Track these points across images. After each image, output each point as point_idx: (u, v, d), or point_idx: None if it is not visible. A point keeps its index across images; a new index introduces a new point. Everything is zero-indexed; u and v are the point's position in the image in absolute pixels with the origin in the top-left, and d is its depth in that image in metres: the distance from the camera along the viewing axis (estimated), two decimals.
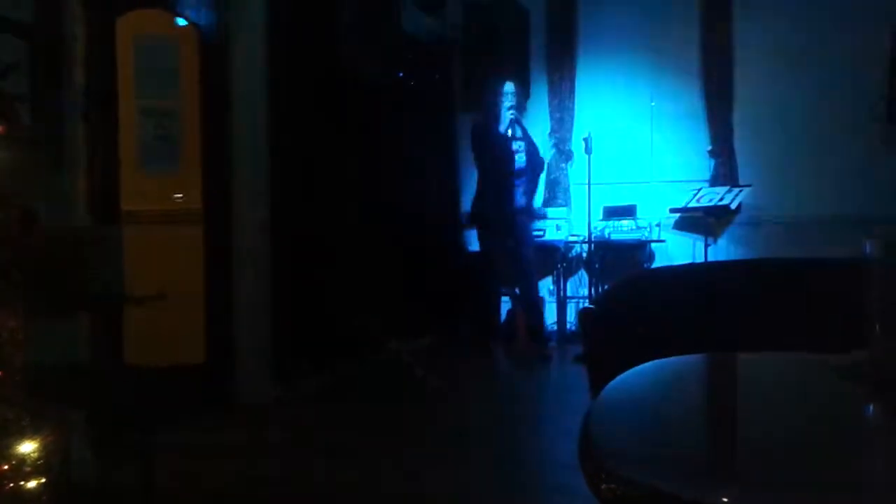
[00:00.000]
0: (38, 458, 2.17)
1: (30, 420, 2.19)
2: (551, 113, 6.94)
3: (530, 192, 6.39)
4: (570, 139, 6.97)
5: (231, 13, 4.49)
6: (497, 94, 6.05)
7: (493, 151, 5.99)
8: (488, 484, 3.41)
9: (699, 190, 6.50)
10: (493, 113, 6.04)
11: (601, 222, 6.60)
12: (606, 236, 6.58)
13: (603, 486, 1.07)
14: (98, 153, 3.63)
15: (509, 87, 6.12)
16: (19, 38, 3.07)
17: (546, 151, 6.77)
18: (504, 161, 6.04)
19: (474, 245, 7.06)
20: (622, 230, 6.57)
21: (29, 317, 2.28)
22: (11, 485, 2.12)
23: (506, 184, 6.08)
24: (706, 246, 6.34)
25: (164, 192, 4.26)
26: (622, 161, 6.83)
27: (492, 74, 6.25)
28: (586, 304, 6.65)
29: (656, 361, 1.63)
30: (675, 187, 6.69)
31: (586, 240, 6.54)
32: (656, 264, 6.61)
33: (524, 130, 6.29)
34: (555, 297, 6.89)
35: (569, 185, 7.00)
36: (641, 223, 6.58)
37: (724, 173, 6.63)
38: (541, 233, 6.62)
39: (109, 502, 2.92)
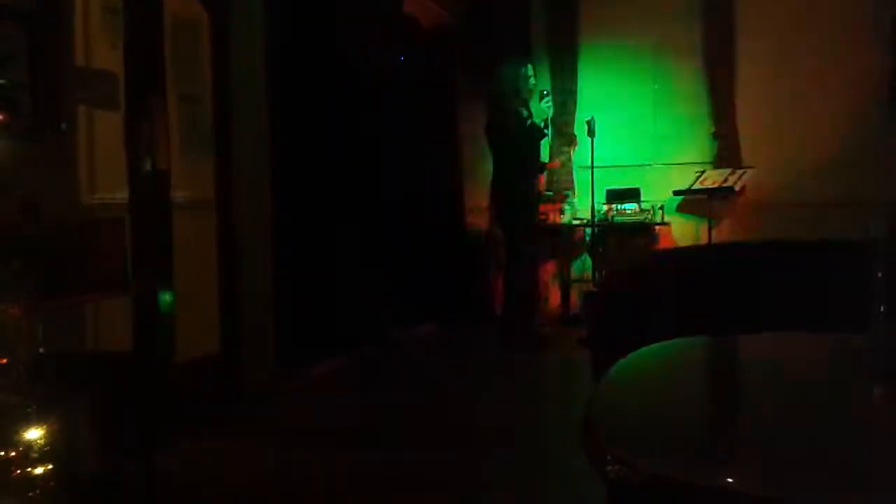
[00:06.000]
0: (45, 445, 2.18)
1: (35, 407, 2.20)
2: (554, 96, 6.92)
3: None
4: (572, 123, 6.95)
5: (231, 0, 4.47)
6: (518, 77, 5.95)
7: (521, 136, 5.91)
8: (492, 468, 3.42)
9: (703, 172, 6.49)
10: (515, 98, 5.94)
11: (605, 205, 6.59)
12: (610, 219, 6.57)
13: (608, 469, 1.07)
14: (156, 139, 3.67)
15: (530, 69, 6.02)
16: (20, 27, 3.05)
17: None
18: (535, 147, 6.01)
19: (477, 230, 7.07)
20: (626, 213, 6.57)
21: (32, 305, 2.28)
22: (18, 471, 2.14)
23: (535, 170, 6.07)
24: (710, 228, 6.33)
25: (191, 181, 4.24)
26: (625, 144, 6.81)
27: (499, 58, 6.18)
28: (590, 288, 6.66)
29: (660, 344, 1.63)
30: (678, 170, 6.67)
31: (590, 223, 6.53)
32: (660, 247, 6.60)
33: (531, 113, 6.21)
34: (558, 280, 6.89)
35: (572, 169, 6.98)
36: (645, 206, 6.57)
37: (728, 155, 6.61)
38: (544, 216, 6.61)
39: (115, 490, 2.93)
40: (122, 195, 3.59)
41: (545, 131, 6.07)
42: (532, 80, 5.98)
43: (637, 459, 1.06)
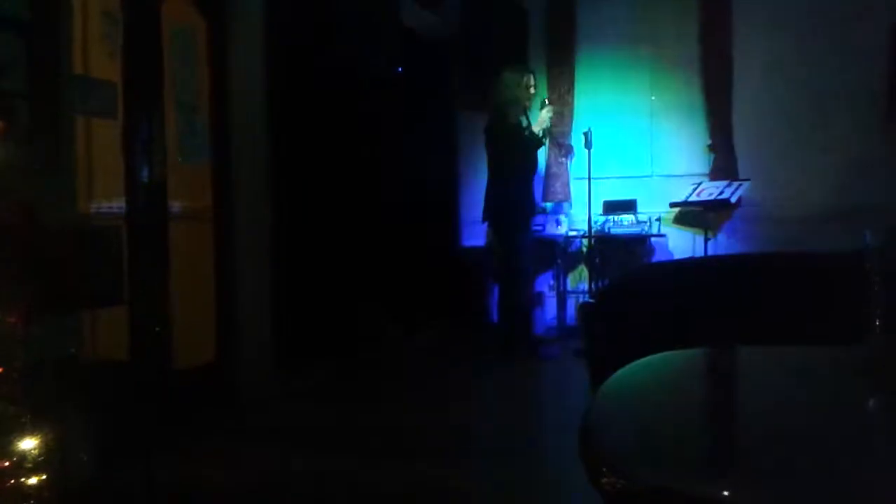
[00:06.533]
0: (39, 455, 2.17)
1: (30, 417, 2.19)
2: (552, 106, 6.92)
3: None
4: (569, 134, 6.96)
5: (229, 8, 4.48)
6: (520, 86, 5.93)
7: (520, 146, 5.90)
8: (488, 479, 3.41)
9: (699, 184, 6.50)
10: (515, 106, 5.92)
11: (601, 217, 6.59)
12: (606, 231, 6.58)
13: (604, 480, 1.07)
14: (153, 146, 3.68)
15: (527, 78, 6.03)
16: (18, 35, 3.06)
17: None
18: (532, 156, 6.01)
19: (473, 241, 7.08)
20: (622, 225, 6.57)
21: (28, 313, 2.28)
22: (12, 481, 2.13)
23: (532, 179, 6.06)
24: (706, 240, 6.34)
25: (189, 188, 4.24)
26: (622, 156, 6.83)
27: (499, 68, 6.19)
28: (586, 299, 6.66)
29: (656, 355, 1.63)
30: (674, 182, 6.68)
31: (586, 234, 6.54)
32: (656, 259, 6.61)
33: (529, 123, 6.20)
34: (555, 291, 6.90)
35: (569, 180, 6.99)
36: (641, 217, 6.58)
37: (724, 167, 6.62)
38: (540, 228, 6.62)
39: (112, 499, 2.92)
40: (119, 203, 3.59)
41: (543, 140, 6.09)
42: (533, 90, 6.00)
43: (633, 471, 1.06)
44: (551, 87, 6.93)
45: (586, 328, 2.41)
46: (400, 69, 5.66)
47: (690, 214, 6.63)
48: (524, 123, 5.90)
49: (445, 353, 6.30)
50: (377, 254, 5.81)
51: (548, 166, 6.95)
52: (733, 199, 6.26)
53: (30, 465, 2.17)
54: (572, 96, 6.99)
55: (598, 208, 6.54)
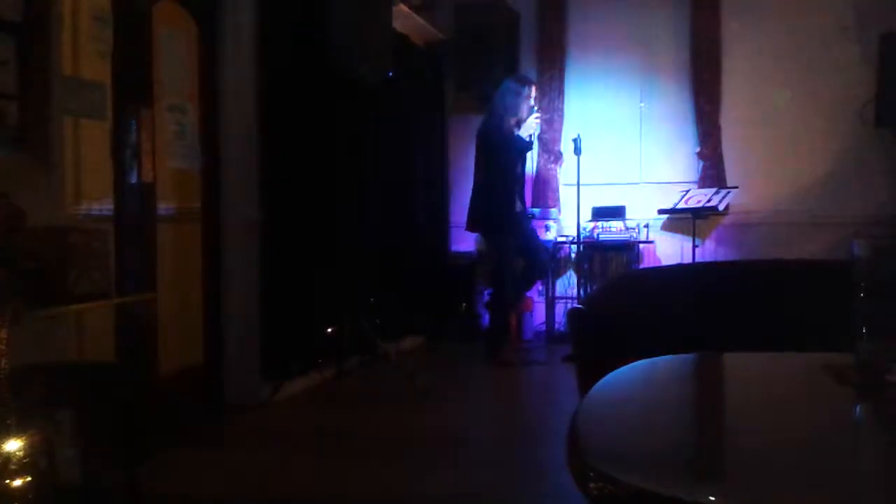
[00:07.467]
0: (24, 457, 2.16)
1: (16, 419, 2.18)
2: (540, 114, 6.94)
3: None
4: (559, 140, 6.98)
5: (221, 11, 4.48)
6: (520, 95, 5.90)
7: (511, 153, 5.89)
8: (478, 483, 3.41)
9: (687, 191, 6.52)
10: (513, 114, 5.89)
11: (590, 223, 6.61)
12: (595, 237, 6.59)
13: (591, 485, 1.07)
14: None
15: (529, 89, 5.96)
16: (9, 36, 3.05)
17: (534, 152, 6.73)
18: (520, 163, 6.01)
19: (462, 246, 7.09)
20: (611, 231, 6.59)
21: (15, 314, 2.27)
22: None
23: (521, 186, 6.06)
24: (694, 247, 6.36)
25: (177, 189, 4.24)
26: (611, 162, 6.85)
27: (494, 75, 6.18)
28: (575, 305, 6.67)
29: (644, 361, 1.64)
30: (663, 188, 6.71)
31: (575, 240, 6.55)
32: (644, 265, 6.63)
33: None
34: (543, 297, 6.91)
35: (558, 186, 7.01)
36: (630, 224, 6.60)
37: (712, 175, 6.66)
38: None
39: (98, 502, 2.90)
40: (107, 205, 3.58)
41: (531, 146, 6.09)
42: (532, 101, 5.95)
43: (620, 475, 1.06)
44: (541, 93, 6.94)
45: (575, 333, 2.42)
46: (391, 74, 5.65)
47: (679, 221, 6.65)
48: (516, 133, 5.89)
49: (435, 357, 6.30)
50: (367, 257, 5.80)
51: (537, 172, 6.96)
52: (721, 207, 6.29)
53: (15, 468, 2.16)
54: (562, 102, 7.01)
55: (586, 214, 6.55)
